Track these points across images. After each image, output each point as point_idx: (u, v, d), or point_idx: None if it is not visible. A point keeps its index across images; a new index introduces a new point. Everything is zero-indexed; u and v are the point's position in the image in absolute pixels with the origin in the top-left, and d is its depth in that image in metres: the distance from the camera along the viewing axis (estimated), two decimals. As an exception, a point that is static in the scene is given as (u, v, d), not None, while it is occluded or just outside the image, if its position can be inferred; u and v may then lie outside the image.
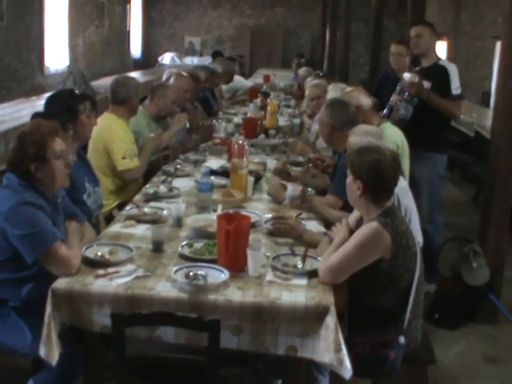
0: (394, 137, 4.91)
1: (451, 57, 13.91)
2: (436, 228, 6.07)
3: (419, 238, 4.01)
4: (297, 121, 7.73)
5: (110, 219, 4.57)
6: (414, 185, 5.44)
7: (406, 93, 5.80)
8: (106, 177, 5.07)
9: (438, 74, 5.90)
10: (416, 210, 4.15)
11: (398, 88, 5.84)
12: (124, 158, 5.12)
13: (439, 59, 6.18)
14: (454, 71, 5.98)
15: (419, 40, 6.04)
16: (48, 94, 4.93)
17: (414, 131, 5.63)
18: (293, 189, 4.38)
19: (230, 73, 11.07)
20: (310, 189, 4.93)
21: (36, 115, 4.07)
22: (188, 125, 6.48)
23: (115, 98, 5.43)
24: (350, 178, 3.41)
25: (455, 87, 5.94)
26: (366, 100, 5.12)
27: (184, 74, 7.09)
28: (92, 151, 5.01)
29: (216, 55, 13.19)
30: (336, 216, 4.12)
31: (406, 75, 5.80)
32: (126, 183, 5.27)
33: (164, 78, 7.22)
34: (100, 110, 5.17)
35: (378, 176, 3.35)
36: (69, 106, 4.24)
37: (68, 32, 13.99)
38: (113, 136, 5.09)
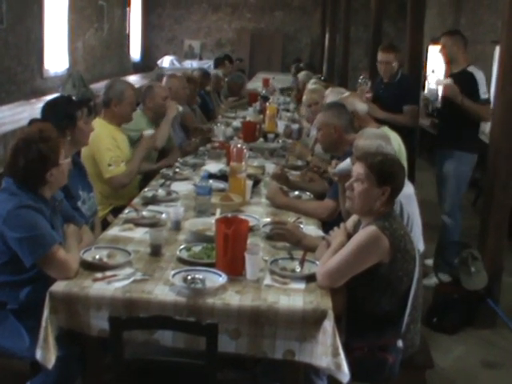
0: (391, 141, 4.91)
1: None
2: (456, 224, 6.44)
3: (420, 245, 4.01)
4: (295, 126, 7.74)
5: (104, 225, 4.56)
6: (440, 181, 6.51)
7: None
8: (96, 183, 5.02)
9: (466, 79, 6.19)
10: (419, 218, 4.14)
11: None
12: (110, 164, 5.08)
13: (468, 65, 6.37)
14: (481, 77, 6.24)
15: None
16: (46, 99, 4.92)
17: (442, 130, 6.34)
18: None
19: (238, 84, 11.15)
20: (308, 193, 4.94)
21: (33, 121, 4.06)
22: (181, 108, 6.44)
23: (101, 100, 5.47)
24: (369, 184, 3.34)
25: (483, 92, 6.21)
26: (361, 105, 5.13)
27: (177, 74, 7.12)
28: (83, 157, 4.98)
29: (223, 59, 13.22)
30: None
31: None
32: (115, 189, 5.26)
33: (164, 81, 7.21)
34: (99, 113, 5.17)
35: (401, 180, 3.41)
36: (67, 113, 4.23)
37: (67, 35, 13.98)
38: (98, 143, 5.00)
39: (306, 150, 6.14)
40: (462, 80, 6.22)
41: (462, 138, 6.25)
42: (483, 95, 6.23)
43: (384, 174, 3.33)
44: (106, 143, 5.11)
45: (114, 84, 5.52)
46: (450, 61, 6.52)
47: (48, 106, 4.37)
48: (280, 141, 7.12)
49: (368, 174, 3.35)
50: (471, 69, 6.32)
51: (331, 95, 5.99)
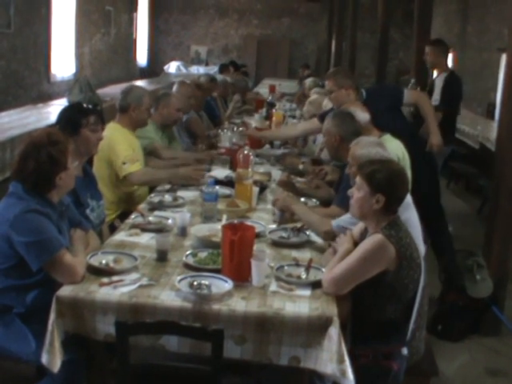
0: (394, 149, 4.88)
1: (457, 68, 13.96)
2: None
3: (421, 248, 4.00)
4: None
5: (112, 229, 4.58)
6: None
7: None
8: (106, 187, 5.00)
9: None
10: (419, 225, 4.14)
11: None
12: (124, 163, 5.07)
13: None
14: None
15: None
16: (53, 103, 4.94)
17: None
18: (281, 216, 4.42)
19: (241, 87, 11.16)
20: (314, 199, 4.95)
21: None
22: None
23: (118, 104, 5.46)
24: (364, 192, 3.36)
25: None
26: (362, 115, 5.09)
27: (187, 81, 7.12)
28: (95, 162, 5.00)
29: (227, 65, 13.26)
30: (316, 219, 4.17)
31: None
32: (126, 193, 5.25)
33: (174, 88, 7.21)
34: (106, 118, 5.17)
35: (399, 188, 3.39)
36: (71, 120, 4.25)
37: (75, 40, 14.05)
38: (112, 145, 4.98)
39: (296, 160, 6.22)
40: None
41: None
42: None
43: (376, 182, 3.33)
44: (121, 144, 5.11)
45: (132, 89, 5.54)
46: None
47: (59, 112, 4.40)
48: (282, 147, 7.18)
49: (362, 183, 3.38)
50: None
51: (329, 105, 6.03)
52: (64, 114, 4.37)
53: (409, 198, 4.02)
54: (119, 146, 5.09)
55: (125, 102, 5.38)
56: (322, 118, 5.83)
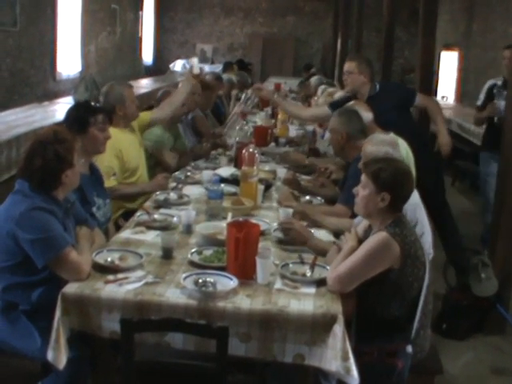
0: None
1: (462, 67, 13.95)
2: None
3: (430, 250, 4.01)
4: (310, 128, 7.77)
5: (115, 228, 4.57)
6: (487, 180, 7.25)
7: None
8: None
9: None
10: (428, 224, 4.14)
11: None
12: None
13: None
14: None
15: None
16: (59, 101, 4.91)
17: (490, 135, 7.30)
18: (285, 214, 4.36)
19: (243, 82, 11.17)
20: (319, 198, 4.95)
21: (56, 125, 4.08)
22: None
23: (104, 108, 5.30)
24: (369, 191, 3.36)
25: None
26: (366, 114, 5.10)
27: None
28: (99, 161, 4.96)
29: (231, 64, 13.27)
30: (335, 224, 4.12)
31: None
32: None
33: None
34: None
35: (404, 186, 3.38)
36: (79, 118, 4.26)
37: (80, 38, 14.04)
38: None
39: (300, 156, 6.21)
40: None
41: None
42: None
43: (381, 181, 3.33)
44: (105, 155, 4.80)
45: (111, 89, 5.31)
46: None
47: (68, 110, 4.41)
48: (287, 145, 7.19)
49: (367, 181, 3.38)
50: None
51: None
52: (72, 113, 4.38)
53: (418, 199, 4.02)
54: (103, 156, 4.81)
55: (108, 105, 5.18)
56: (332, 106, 5.86)
